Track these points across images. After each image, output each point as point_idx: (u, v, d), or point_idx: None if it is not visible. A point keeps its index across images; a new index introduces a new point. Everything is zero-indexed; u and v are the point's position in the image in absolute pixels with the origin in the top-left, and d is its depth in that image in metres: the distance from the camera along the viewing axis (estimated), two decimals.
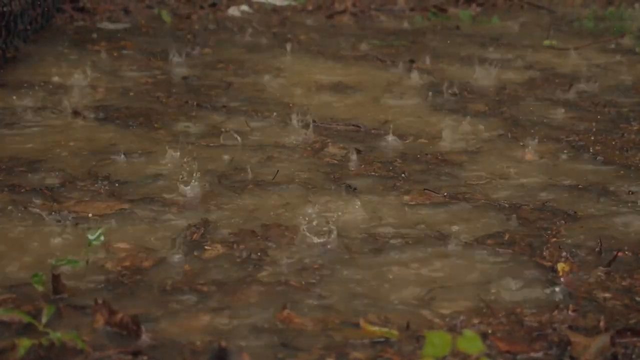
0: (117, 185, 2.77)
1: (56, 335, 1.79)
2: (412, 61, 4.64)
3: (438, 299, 2.09)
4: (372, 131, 3.40)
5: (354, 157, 3.09)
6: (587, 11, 6.40)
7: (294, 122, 3.48)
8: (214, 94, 3.89)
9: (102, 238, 2.19)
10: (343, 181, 2.85)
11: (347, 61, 4.63)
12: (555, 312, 2.02)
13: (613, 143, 3.32)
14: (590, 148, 3.25)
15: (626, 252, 2.35)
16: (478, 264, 2.28)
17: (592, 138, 3.37)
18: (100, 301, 1.93)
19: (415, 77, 4.30)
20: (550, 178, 2.94)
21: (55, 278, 2.04)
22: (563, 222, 2.57)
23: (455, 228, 2.50)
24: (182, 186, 2.77)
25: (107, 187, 2.74)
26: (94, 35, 5.07)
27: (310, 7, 6.38)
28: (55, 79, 4.06)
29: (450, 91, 4.06)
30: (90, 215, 2.52)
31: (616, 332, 1.90)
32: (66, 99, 3.73)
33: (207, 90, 3.96)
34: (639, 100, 3.95)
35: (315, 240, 2.40)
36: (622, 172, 3.01)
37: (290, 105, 3.75)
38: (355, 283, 2.16)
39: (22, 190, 2.70)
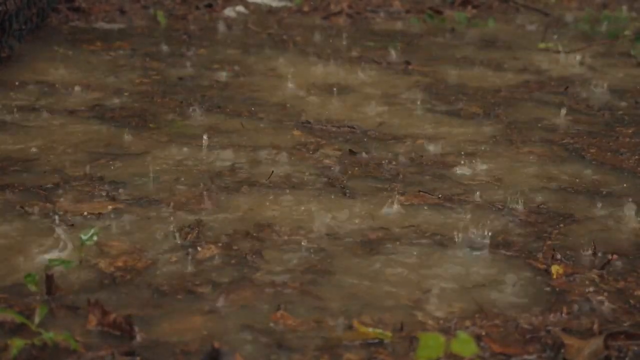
0: (111, 185, 2.77)
1: (49, 335, 1.79)
2: (407, 63, 4.64)
3: (432, 301, 2.09)
4: (367, 132, 3.40)
5: (348, 158, 3.09)
6: (583, 14, 6.41)
7: (289, 123, 3.48)
8: (209, 95, 3.89)
9: (95, 238, 2.19)
10: (337, 182, 2.85)
11: (343, 62, 4.63)
12: (549, 315, 2.02)
13: (608, 146, 3.32)
14: (585, 151, 3.26)
15: (620, 255, 2.36)
16: (472, 266, 2.28)
17: (587, 141, 3.38)
18: (93, 301, 1.92)
19: (410, 79, 4.31)
20: (545, 180, 2.94)
21: (49, 278, 2.03)
22: (557, 224, 2.57)
23: (449, 230, 2.50)
24: (176, 186, 2.77)
25: (101, 187, 2.74)
26: (89, 36, 5.07)
27: (306, 9, 6.37)
28: (50, 78, 4.06)
29: (445, 93, 4.07)
30: (84, 215, 2.52)
31: (610, 335, 1.90)
32: (61, 99, 3.72)
33: (202, 90, 3.96)
34: (633, 103, 3.95)
35: (309, 241, 2.40)
36: (616, 174, 3.01)
37: (286, 106, 3.75)
38: (349, 284, 2.16)
39: (16, 190, 2.69)
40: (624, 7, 6.68)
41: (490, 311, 2.04)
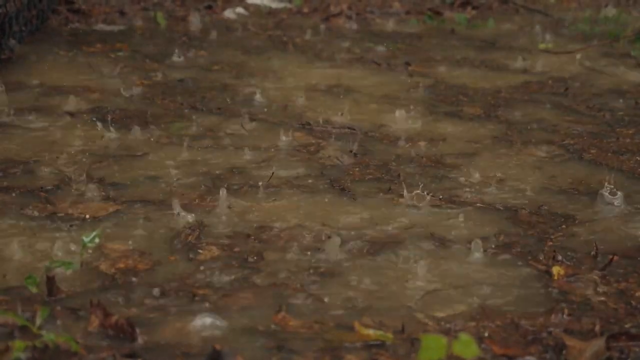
0: (112, 187, 2.77)
1: (50, 337, 1.78)
2: (407, 64, 4.64)
3: (433, 302, 2.08)
4: (368, 133, 3.39)
5: (349, 159, 3.09)
6: (583, 14, 6.41)
7: (289, 124, 3.48)
8: (209, 96, 3.89)
9: (97, 240, 2.19)
10: (338, 183, 2.85)
11: (343, 64, 4.63)
12: (551, 316, 2.02)
13: (608, 146, 3.32)
14: (586, 151, 3.25)
15: (621, 256, 2.35)
16: (473, 267, 2.28)
17: (588, 141, 3.37)
18: (95, 302, 1.92)
19: (410, 80, 4.31)
20: (546, 181, 2.94)
21: (50, 280, 2.03)
22: (558, 225, 2.57)
23: (450, 231, 2.50)
24: (177, 188, 2.77)
25: (102, 189, 2.74)
26: (89, 37, 5.06)
27: (306, 10, 6.37)
28: (50, 80, 4.06)
29: (445, 94, 4.06)
30: (85, 217, 2.52)
31: (611, 336, 1.90)
32: (61, 101, 3.72)
33: (202, 92, 3.96)
34: (634, 104, 3.95)
35: (310, 242, 2.39)
36: (617, 175, 3.01)
37: (286, 107, 3.75)
38: (350, 286, 2.16)
39: (17, 192, 2.69)
40: (624, 8, 6.68)
41: (491, 312, 2.04)
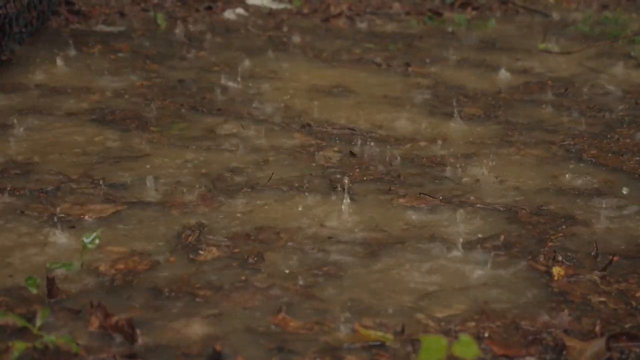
0: (112, 188, 2.77)
1: (50, 338, 1.78)
2: (407, 65, 4.64)
3: (433, 303, 2.08)
4: (368, 134, 3.39)
5: (349, 160, 3.09)
6: (583, 15, 6.41)
7: (289, 125, 3.48)
8: (209, 97, 3.89)
9: (97, 241, 2.19)
10: (338, 184, 2.85)
11: (343, 64, 4.63)
12: (551, 316, 2.02)
13: (608, 147, 3.32)
14: (586, 152, 3.25)
15: (622, 256, 2.35)
16: (473, 268, 2.28)
17: (588, 142, 3.37)
18: (95, 304, 1.92)
19: (410, 81, 4.31)
20: (546, 182, 2.94)
21: (50, 281, 2.03)
22: (559, 225, 2.57)
23: (450, 232, 2.50)
24: (177, 189, 2.77)
25: (102, 190, 2.74)
26: (90, 38, 5.07)
27: (305, 11, 6.38)
28: (51, 81, 4.06)
29: (445, 95, 4.06)
30: (85, 218, 2.52)
31: (611, 336, 1.90)
32: (61, 102, 3.72)
33: (202, 93, 3.96)
34: (634, 104, 3.95)
35: (310, 243, 2.39)
36: (617, 175, 3.01)
37: (286, 108, 3.75)
38: (350, 286, 2.16)
39: (17, 193, 2.69)
40: (624, 8, 6.68)
41: (491, 313, 2.04)
